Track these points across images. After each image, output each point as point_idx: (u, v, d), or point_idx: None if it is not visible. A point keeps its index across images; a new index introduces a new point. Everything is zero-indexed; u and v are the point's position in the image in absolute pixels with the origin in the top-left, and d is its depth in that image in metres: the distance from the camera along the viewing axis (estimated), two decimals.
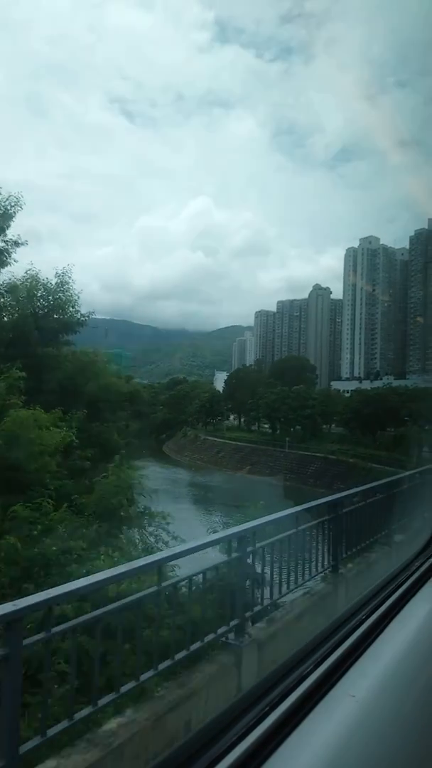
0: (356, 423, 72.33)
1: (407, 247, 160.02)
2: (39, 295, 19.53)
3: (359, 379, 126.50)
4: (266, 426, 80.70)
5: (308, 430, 77.85)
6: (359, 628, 1.43)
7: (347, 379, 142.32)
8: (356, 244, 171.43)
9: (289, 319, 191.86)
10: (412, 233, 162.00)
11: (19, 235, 19.01)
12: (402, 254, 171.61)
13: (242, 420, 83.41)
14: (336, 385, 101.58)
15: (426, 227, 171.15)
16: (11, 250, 18.70)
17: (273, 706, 1.11)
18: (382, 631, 1.43)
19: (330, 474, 58.49)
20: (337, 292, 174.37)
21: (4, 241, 18.62)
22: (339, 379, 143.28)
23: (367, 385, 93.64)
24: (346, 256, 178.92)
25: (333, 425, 78.41)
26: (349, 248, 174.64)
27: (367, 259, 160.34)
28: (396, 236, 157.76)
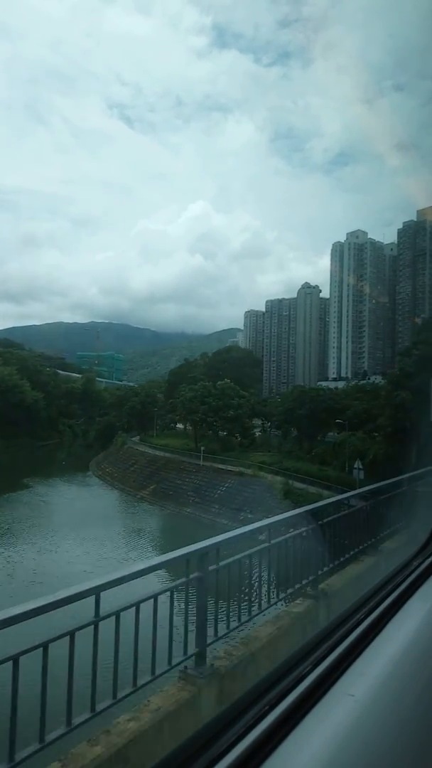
0: (289, 427, 63.58)
1: (395, 241, 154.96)
2: None
3: (346, 380, 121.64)
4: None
5: (235, 435, 65.72)
6: (357, 628, 1.39)
7: (334, 379, 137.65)
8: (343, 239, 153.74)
9: (279, 318, 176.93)
10: (401, 226, 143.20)
11: None
12: (391, 249, 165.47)
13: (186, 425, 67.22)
14: (323, 385, 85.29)
15: (414, 219, 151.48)
16: None
17: (272, 706, 1.09)
18: (380, 631, 1.39)
19: (241, 498, 48.68)
20: (328, 291, 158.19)
21: None
22: (326, 379, 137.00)
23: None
24: (333, 252, 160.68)
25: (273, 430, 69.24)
26: (335, 243, 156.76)
27: (353, 254, 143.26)
28: (393, 239, 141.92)
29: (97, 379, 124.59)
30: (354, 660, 1.25)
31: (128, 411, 73.39)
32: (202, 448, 57.10)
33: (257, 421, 66.85)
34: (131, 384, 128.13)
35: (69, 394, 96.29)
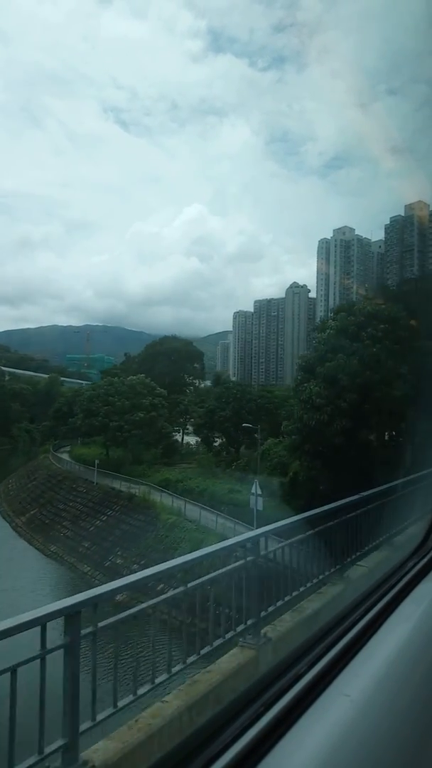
0: (211, 432, 51.27)
1: (383, 238, 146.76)
2: None
3: None
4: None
5: (147, 442, 51.51)
6: (353, 628, 1.37)
7: None
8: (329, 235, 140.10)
9: (267, 319, 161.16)
10: (387, 221, 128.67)
11: None
12: (379, 246, 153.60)
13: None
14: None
15: (402, 214, 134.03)
16: None
17: (268, 706, 1.08)
18: (376, 631, 1.38)
19: (118, 533, 36.95)
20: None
21: None
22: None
23: None
24: (319, 249, 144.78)
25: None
26: (321, 239, 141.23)
27: (340, 251, 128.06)
28: (382, 236, 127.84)
29: (83, 381, 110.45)
30: (350, 660, 1.23)
31: (53, 414, 59.08)
32: (96, 462, 46.24)
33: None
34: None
35: (18, 395, 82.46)
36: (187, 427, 56.56)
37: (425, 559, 1.84)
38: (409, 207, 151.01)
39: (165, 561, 4.46)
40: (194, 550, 4.74)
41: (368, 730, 1.06)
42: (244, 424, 39.14)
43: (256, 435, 40.09)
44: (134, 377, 50.17)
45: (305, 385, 28.49)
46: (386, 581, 1.69)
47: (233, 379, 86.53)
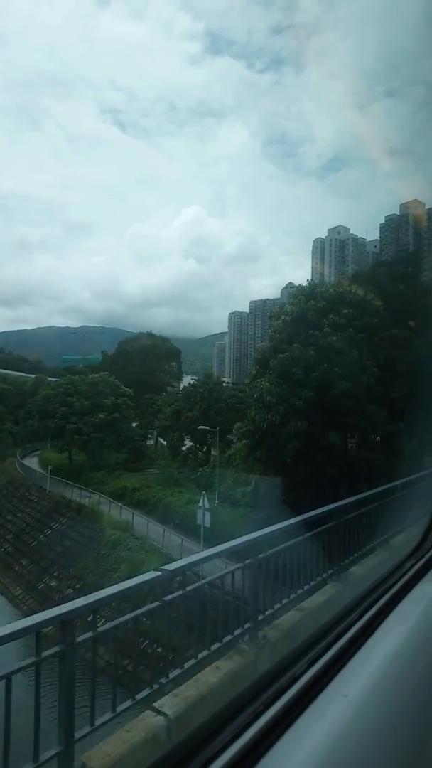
0: (177, 435, 45.38)
1: (378, 237, 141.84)
2: None
3: None
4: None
5: (108, 446, 46.51)
6: (351, 628, 1.36)
7: None
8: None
9: (262, 319, 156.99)
10: (382, 220, 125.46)
11: None
12: (375, 246, 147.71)
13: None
14: None
15: (397, 213, 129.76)
16: None
17: (266, 706, 1.07)
18: (374, 631, 1.36)
19: (59, 550, 32.60)
20: None
21: None
22: None
23: None
24: (314, 248, 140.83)
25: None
26: (316, 239, 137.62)
27: (335, 250, 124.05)
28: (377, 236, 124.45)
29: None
30: (348, 661, 1.22)
31: (23, 415, 54.60)
32: (50, 468, 42.48)
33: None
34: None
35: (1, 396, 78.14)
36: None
37: (423, 560, 1.83)
38: (404, 206, 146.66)
39: (99, 586, 4.55)
40: (133, 573, 4.67)
41: (366, 730, 1.06)
42: (200, 426, 34.54)
43: (210, 437, 35.46)
44: (96, 375, 45.63)
45: (258, 381, 23.79)
46: (384, 582, 1.66)
47: (226, 380, 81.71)
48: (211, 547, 5.02)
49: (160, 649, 5.13)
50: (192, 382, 52.86)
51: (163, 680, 3.98)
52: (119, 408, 45.44)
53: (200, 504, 28.10)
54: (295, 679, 1.13)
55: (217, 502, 33.89)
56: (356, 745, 1.02)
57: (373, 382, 23.29)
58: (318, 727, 1.02)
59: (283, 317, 25.83)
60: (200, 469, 40.75)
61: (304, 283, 29.06)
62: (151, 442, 53.89)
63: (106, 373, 48.42)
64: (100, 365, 67.36)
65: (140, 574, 4.06)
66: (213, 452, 43.80)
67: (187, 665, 4.16)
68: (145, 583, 3.90)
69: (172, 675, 4.05)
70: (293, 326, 24.89)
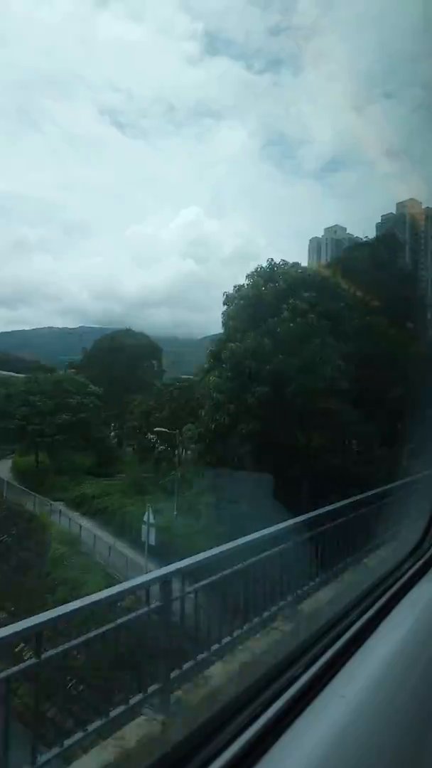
0: (145, 437, 40.02)
1: (375, 236, 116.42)
2: None
3: None
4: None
5: (73, 449, 41.53)
6: (350, 629, 1.36)
7: None
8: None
9: None
10: (379, 219, 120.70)
11: None
12: None
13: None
14: None
15: (394, 212, 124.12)
16: None
17: (265, 707, 1.08)
18: (372, 632, 1.36)
19: (3, 567, 28.56)
20: None
21: None
22: None
23: None
24: (310, 248, 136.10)
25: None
26: (312, 238, 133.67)
27: (331, 250, 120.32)
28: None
29: None
30: (346, 662, 1.23)
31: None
32: (9, 473, 40.53)
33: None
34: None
35: None
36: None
37: (422, 561, 1.80)
38: (401, 205, 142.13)
39: (29, 612, 3.60)
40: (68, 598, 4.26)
41: (365, 731, 1.08)
42: (156, 428, 30.88)
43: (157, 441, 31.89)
44: (61, 373, 42.04)
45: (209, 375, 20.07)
46: (383, 582, 1.66)
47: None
48: (159, 567, 4.51)
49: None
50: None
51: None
52: (86, 408, 41.58)
53: (145, 518, 24.38)
54: (293, 680, 1.15)
55: (176, 512, 30.05)
56: (354, 745, 1.04)
57: (337, 377, 19.53)
58: (316, 728, 1.04)
59: (236, 302, 22.16)
60: (171, 473, 36.92)
61: None
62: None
63: (73, 370, 44.77)
64: (78, 364, 63.63)
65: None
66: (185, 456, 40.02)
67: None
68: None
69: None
70: (248, 312, 21.36)
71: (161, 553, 21.78)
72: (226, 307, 23.66)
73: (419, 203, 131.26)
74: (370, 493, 7.01)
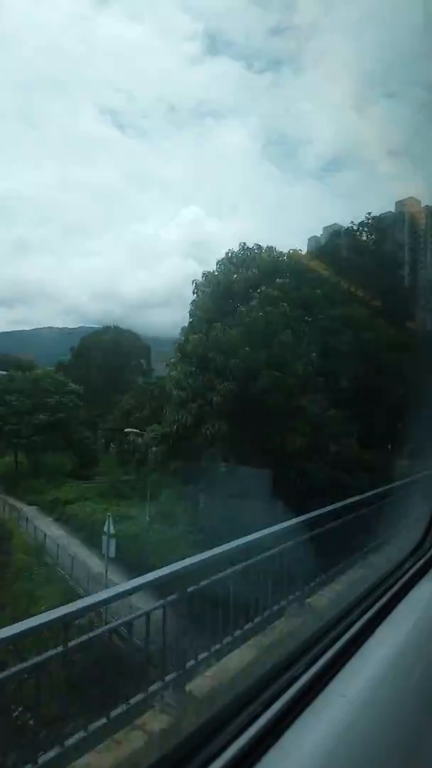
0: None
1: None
2: None
3: None
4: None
5: (52, 450, 39.65)
6: (351, 629, 1.35)
7: None
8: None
9: None
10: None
11: None
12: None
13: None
14: None
15: (392, 211, 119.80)
16: None
17: (266, 707, 1.08)
18: (373, 632, 1.35)
19: None
20: None
21: None
22: None
23: None
24: (308, 247, 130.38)
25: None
26: (311, 237, 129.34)
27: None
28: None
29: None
30: (347, 661, 1.23)
31: None
32: None
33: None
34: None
35: None
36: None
37: (423, 560, 1.77)
38: (399, 203, 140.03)
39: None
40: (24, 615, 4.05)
41: (365, 730, 1.08)
42: (126, 429, 28.81)
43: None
44: (39, 372, 40.08)
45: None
46: (384, 582, 1.64)
47: None
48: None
49: None
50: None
51: None
52: (65, 407, 39.54)
53: (105, 528, 22.23)
54: (294, 680, 1.15)
55: (148, 519, 27.95)
56: (355, 745, 1.04)
57: (312, 372, 17.31)
58: (317, 728, 1.03)
59: (203, 289, 19.95)
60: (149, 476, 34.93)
61: None
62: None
63: (52, 368, 42.78)
64: (65, 364, 61.67)
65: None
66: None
67: None
68: None
69: None
70: (216, 300, 19.11)
71: (132, 565, 20.45)
72: (195, 296, 21.70)
73: (418, 202, 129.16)
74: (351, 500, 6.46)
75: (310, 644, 1.26)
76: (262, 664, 4.40)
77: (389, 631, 1.34)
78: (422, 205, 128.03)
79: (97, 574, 23.68)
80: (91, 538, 28.82)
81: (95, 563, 25.53)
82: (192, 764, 0.91)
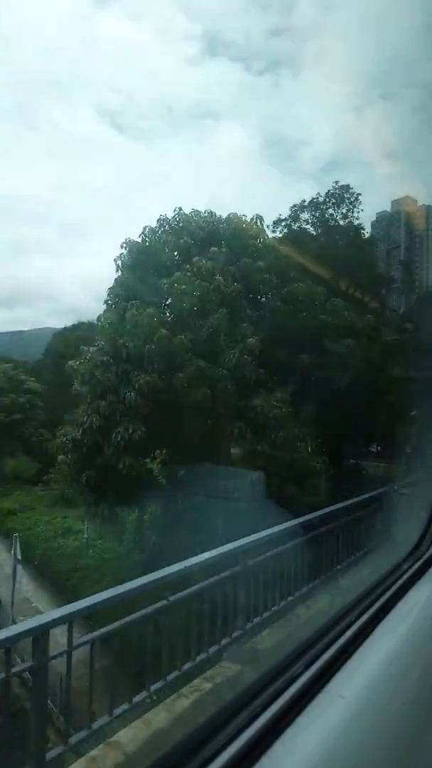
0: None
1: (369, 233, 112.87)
2: None
3: None
4: None
5: (6, 453, 35.25)
6: (349, 630, 1.35)
7: None
8: None
9: None
10: (374, 218, 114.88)
11: None
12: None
13: None
14: None
15: (389, 210, 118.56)
16: None
17: (264, 707, 1.08)
18: (371, 633, 1.35)
19: None
20: None
21: None
22: None
23: None
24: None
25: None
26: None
27: None
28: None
29: None
30: (346, 662, 1.23)
31: None
32: None
33: None
34: None
35: None
36: None
37: (420, 562, 1.72)
38: (396, 202, 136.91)
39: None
40: None
41: (364, 731, 1.08)
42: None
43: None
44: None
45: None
46: (381, 583, 1.61)
47: None
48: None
49: None
50: None
51: None
52: (22, 408, 35.65)
53: (11, 551, 18.54)
54: (292, 680, 1.15)
55: (86, 535, 24.16)
56: (354, 746, 1.04)
57: (249, 361, 13.49)
58: (316, 728, 1.03)
59: (121, 261, 16.14)
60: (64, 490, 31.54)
61: None
62: None
63: (10, 365, 38.87)
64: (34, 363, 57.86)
65: None
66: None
67: None
68: None
69: None
70: (139, 275, 15.29)
71: (62, 590, 18.26)
72: (118, 274, 17.95)
73: (414, 200, 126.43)
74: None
75: (308, 644, 1.25)
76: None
77: (388, 632, 1.33)
78: (418, 204, 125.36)
79: (13, 601, 20.07)
80: (27, 554, 26.08)
81: (26, 585, 22.10)
82: (191, 764, 0.89)
